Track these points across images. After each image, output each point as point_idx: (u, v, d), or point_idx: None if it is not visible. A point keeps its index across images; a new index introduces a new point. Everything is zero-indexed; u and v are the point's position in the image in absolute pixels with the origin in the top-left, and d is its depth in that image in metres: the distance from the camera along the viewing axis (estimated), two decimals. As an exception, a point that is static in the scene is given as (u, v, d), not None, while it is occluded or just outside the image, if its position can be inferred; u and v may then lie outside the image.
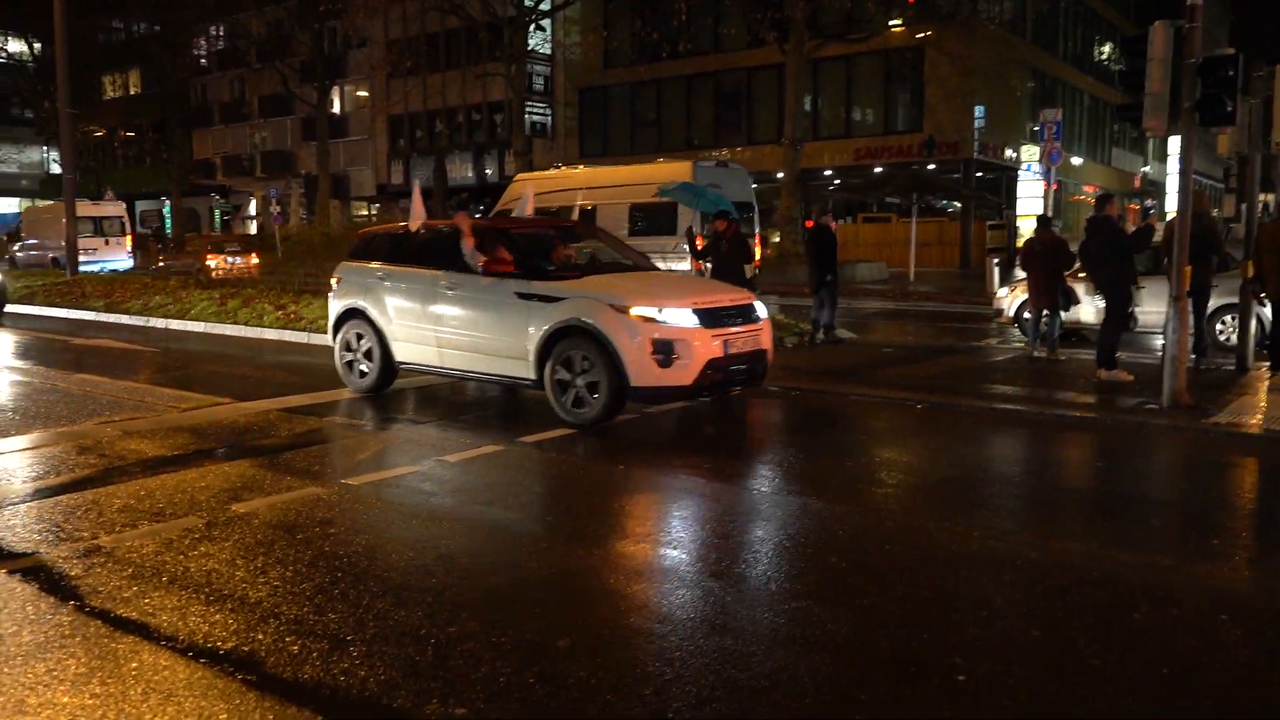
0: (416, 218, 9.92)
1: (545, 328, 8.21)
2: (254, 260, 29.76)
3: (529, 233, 9.79)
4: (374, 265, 9.88)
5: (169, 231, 49.22)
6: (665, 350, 7.79)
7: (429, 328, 9.17)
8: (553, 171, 21.37)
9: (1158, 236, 11.38)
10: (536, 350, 8.29)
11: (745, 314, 8.52)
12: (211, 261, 28.89)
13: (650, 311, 7.89)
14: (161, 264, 31.18)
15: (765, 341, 8.65)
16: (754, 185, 18.35)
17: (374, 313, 9.62)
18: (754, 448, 8.23)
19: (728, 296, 8.61)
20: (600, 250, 10.29)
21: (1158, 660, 3.92)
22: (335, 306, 10.16)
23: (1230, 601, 4.56)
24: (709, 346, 7.95)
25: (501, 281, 8.63)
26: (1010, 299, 15.16)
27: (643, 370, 7.79)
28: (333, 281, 10.39)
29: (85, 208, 29.84)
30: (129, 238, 30.46)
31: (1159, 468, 7.69)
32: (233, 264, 29.12)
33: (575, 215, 16.94)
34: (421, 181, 33.25)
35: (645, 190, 16.36)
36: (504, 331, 8.58)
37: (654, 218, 16.57)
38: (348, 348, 9.96)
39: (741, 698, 3.58)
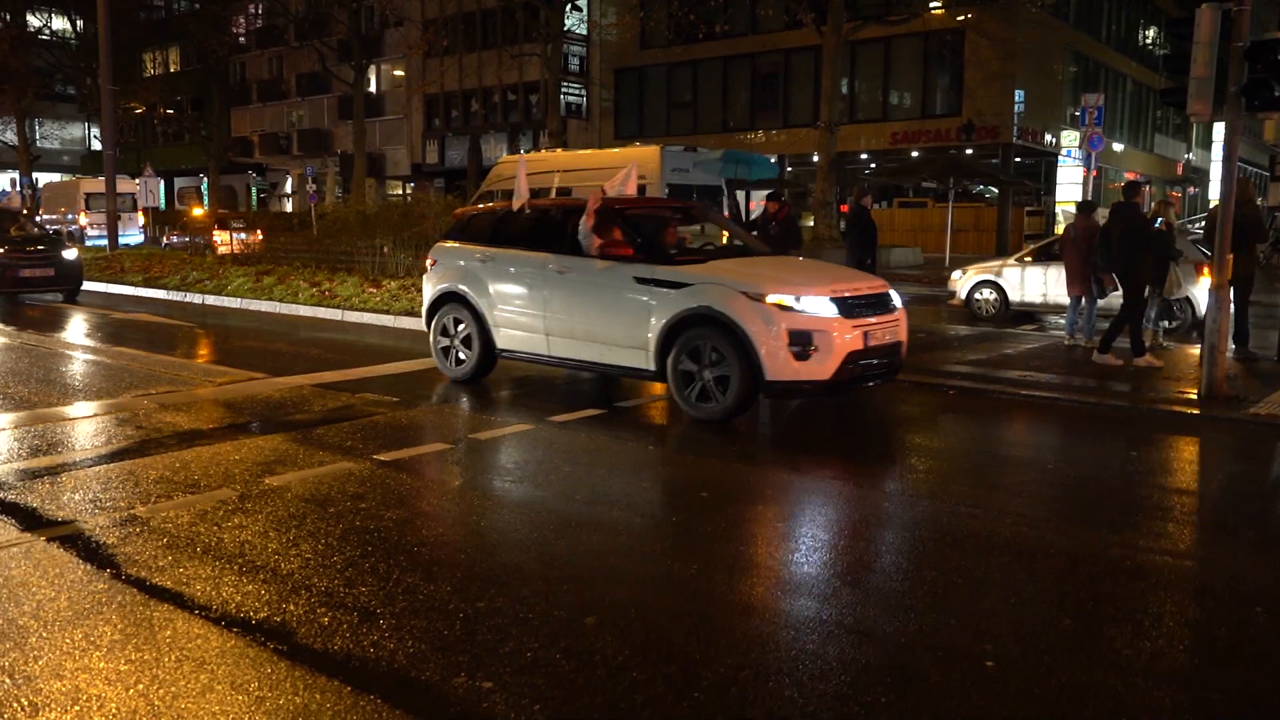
0: (521, 196, 9.27)
1: (669, 316, 7.72)
2: (259, 236, 30.20)
3: (645, 213, 9.23)
4: (473, 247, 9.38)
5: (205, 206, 49.67)
6: (803, 341, 7.25)
7: (536, 314, 8.71)
8: (534, 154, 22.33)
9: (1193, 226, 11.27)
10: (658, 340, 7.80)
11: (883, 303, 7.95)
12: (218, 237, 29.51)
13: (787, 299, 7.37)
14: (174, 239, 31.74)
15: (902, 333, 8.08)
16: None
17: (474, 297, 9.16)
18: (790, 431, 8.19)
19: (865, 284, 8.00)
20: (710, 233, 9.71)
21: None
22: (431, 289, 9.67)
23: (1265, 594, 4.49)
24: (849, 338, 7.40)
25: (619, 265, 8.13)
26: (964, 281, 15.22)
27: (778, 363, 7.27)
28: (427, 263, 9.97)
29: (93, 184, 31.42)
30: (140, 213, 31.18)
31: (1196, 459, 7.58)
32: (238, 240, 29.70)
33: (553, 194, 17.00)
34: (458, 160, 33.07)
35: (614, 172, 16.17)
36: (621, 319, 8.09)
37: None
38: (444, 333, 9.51)
39: (764, 678, 3.58)
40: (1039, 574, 4.72)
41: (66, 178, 47.07)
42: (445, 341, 9.52)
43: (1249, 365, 10.42)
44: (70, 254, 17.64)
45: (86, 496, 5.72)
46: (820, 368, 7.31)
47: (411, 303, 14.47)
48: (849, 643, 3.90)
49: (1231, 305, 9.48)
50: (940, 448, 7.56)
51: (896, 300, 8.18)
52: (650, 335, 7.86)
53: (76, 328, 13.81)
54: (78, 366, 10.38)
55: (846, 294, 7.62)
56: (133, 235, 31.80)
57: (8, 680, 3.54)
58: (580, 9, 39.60)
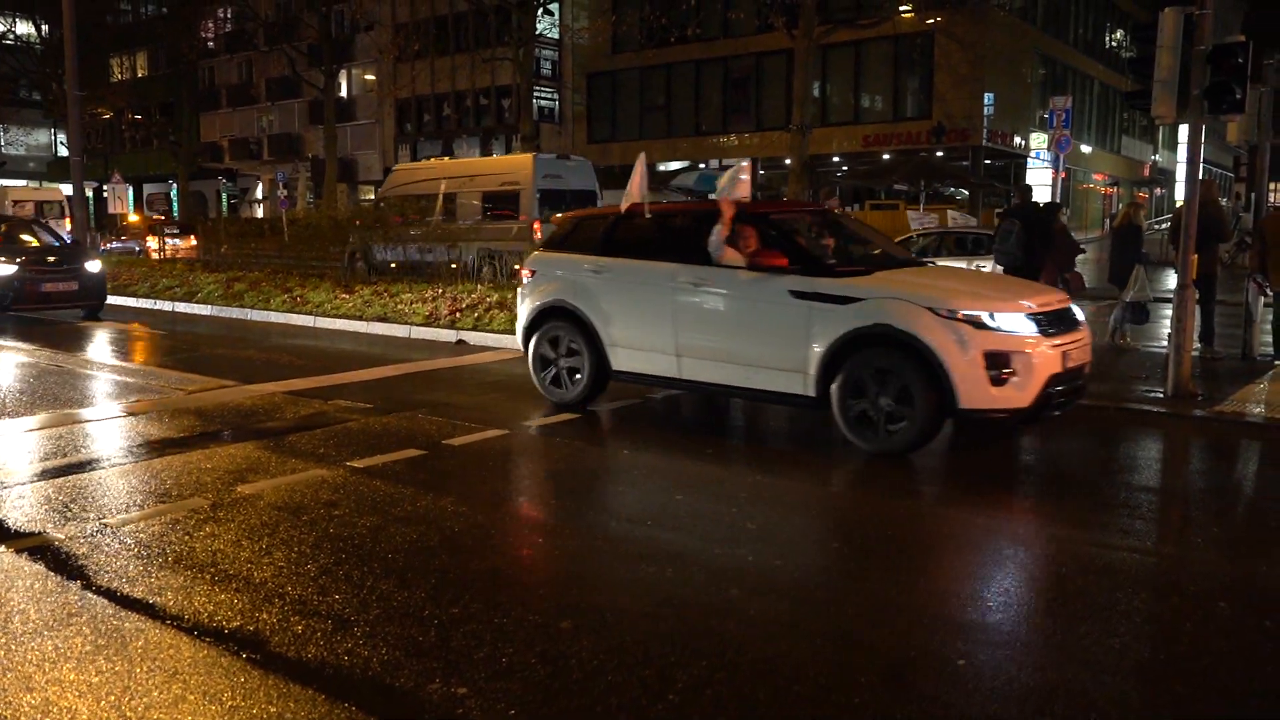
0: (632, 198, 8.20)
1: (836, 335, 6.85)
2: (191, 242, 30.39)
3: (790, 218, 8.32)
4: (582, 257, 8.43)
5: (175, 215, 49.25)
6: (1001, 364, 6.45)
7: (664, 332, 7.76)
8: (423, 163, 24.10)
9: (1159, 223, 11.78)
10: (821, 362, 6.94)
11: (1071, 319, 7.15)
12: (152, 242, 29.63)
13: (981, 315, 6.55)
14: (112, 245, 31.86)
15: (1089, 353, 7.29)
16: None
17: (586, 312, 8.19)
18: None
19: (1054, 297, 7.25)
20: (848, 240, 8.69)
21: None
22: (530, 304, 8.68)
23: (1229, 588, 4.57)
24: (1050, 359, 6.59)
25: (769, 278, 7.25)
26: None
27: (974, 388, 6.44)
28: (523, 274, 9.02)
29: (24, 193, 32.11)
30: (68, 220, 31.32)
31: (1163, 457, 7.68)
32: (171, 246, 29.92)
33: (439, 202, 19.03)
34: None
35: (493, 179, 18.83)
36: (773, 338, 7.24)
37: (500, 203, 18.29)
38: (547, 353, 8.52)
39: (741, 681, 3.60)
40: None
41: (50, 185, 46.58)
42: (549, 362, 8.54)
43: (1215, 364, 10.58)
44: (94, 266, 15.79)
45: (56, 507, 5.67)
46: (1020, 394, 6.50)
47: (384, 308, 14.41)
48: None
49: (1196, 305, 9.62)
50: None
51: (1080, 315, 7.38)
52: (810, 357, 7.01)
53: (40, 335, 13.65)
54: (44, 375, 10.26)
55: (1040, 309, 6.83)
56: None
57: (-24, 694, 3.50)
58: (552, 13, 39.59)
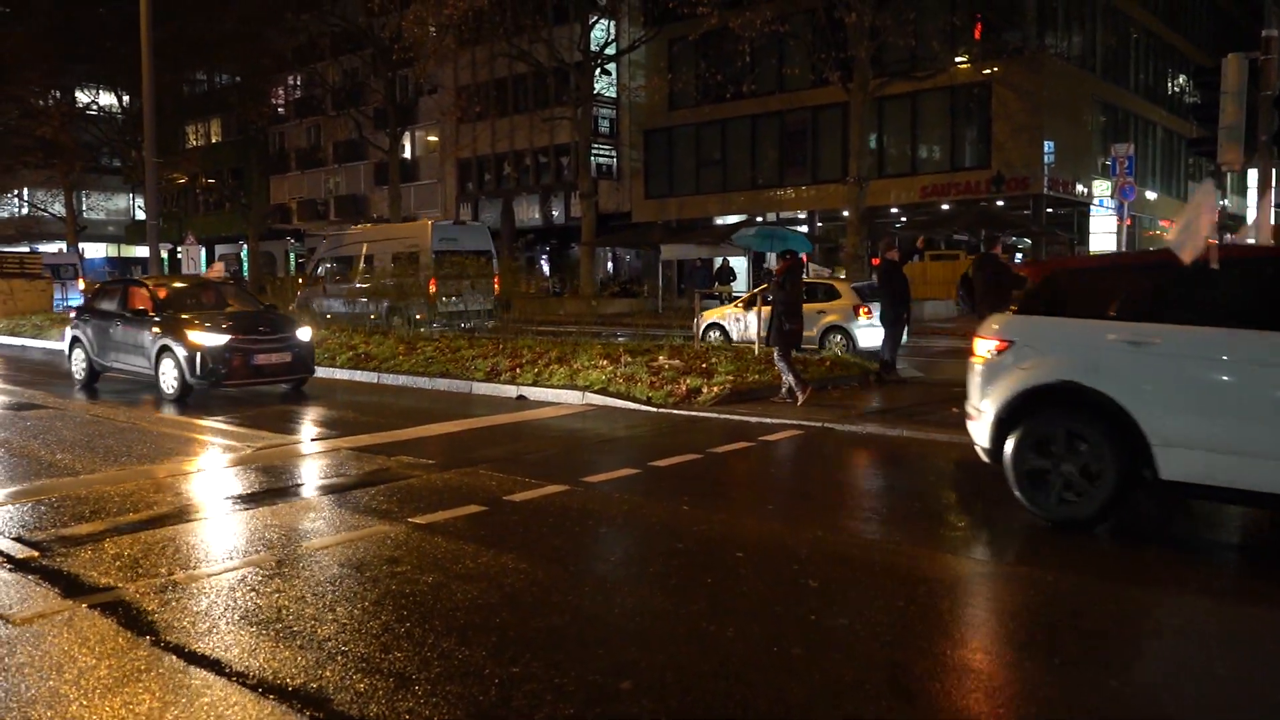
0: (1197, 241, 6.09)
1: None
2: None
3: None
4: (1103, 323, 6.45)
5: (245, 274, 50.67)
6: None
7: (1261, 429, 5.74)
8: (354, 229, 27.98)
9: None
10: None
11: None
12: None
13: None
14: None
15: None
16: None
17: (1117, 398, 6.14)
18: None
19: None
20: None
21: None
22: (1008, 385, 6.64)
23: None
24: None
25: None
26: (701, 321, 17.77)
27: None
28: (987, 348, 6.89)
29: (45, 257, 35.22)
30: (80, 279, 34.48)
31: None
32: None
33: (360, 262, 22.76)
34: (492, 221, 33.95)
35: (401, 243, 22.72)
36: None
37: (408, 262, 21.33)
38: (1044, 452, 6.43)
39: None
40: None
41: (128, 248, 48.73)
42: (1043, 464, 6.43)
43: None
44: (304, 334, 13.91)
45: (127, 563, 5.79)
46: None
47: (445, 366, 14.59)
48: None
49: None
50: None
51: None
52: None
53: (98, 391, 14.03)
54: (119, 433, 10.54)
55: None
56: (74, 299, 33.65)
57: (48, 749, 3.56)
58: (609, 73, 40.36)
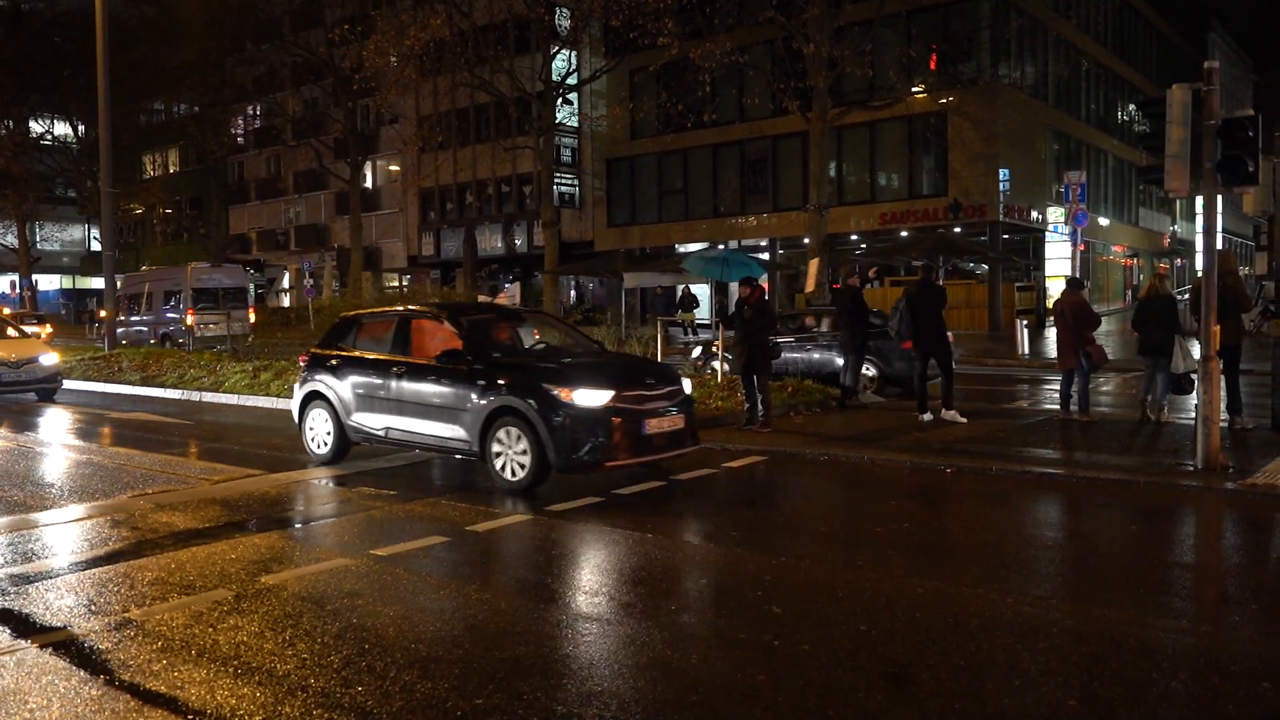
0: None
1: None
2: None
3: None
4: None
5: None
6: None
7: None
8: (143, 270, 33.42)
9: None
10: None
11: None
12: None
13: None
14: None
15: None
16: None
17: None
18: (773, 511, 8.15)
19: None
20: None
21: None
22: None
23: (1272, 668, 4.45)
24: None
25: None
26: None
27: None
28: None
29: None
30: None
31: (1196, 531, 7.55)
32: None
33: (144, 301, 27.94)
34: (454, 251, 33.89)
35: (169, 282, 27.55)
36: None
37: (170, 298, 27.10)
38: None
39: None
40: (1041, 653, 4.67)
41: (83, 279, 47.76)
42: None
43: (1246, 435, 10.44)
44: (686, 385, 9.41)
45: (81, 601, 5.68)
46: None
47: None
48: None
49: (1221, 376, 9.54)
50: (941, 526, 7.51)
51: None
52: None
53: (60, 426, 13.80)
54: (72, 467, 10.36)
55: None
56: None
57: (-2, 794, 3.47)
58: (571, 103, 40.55)
